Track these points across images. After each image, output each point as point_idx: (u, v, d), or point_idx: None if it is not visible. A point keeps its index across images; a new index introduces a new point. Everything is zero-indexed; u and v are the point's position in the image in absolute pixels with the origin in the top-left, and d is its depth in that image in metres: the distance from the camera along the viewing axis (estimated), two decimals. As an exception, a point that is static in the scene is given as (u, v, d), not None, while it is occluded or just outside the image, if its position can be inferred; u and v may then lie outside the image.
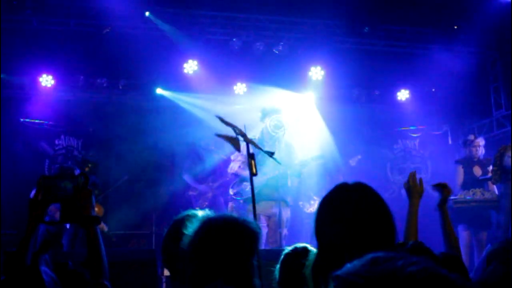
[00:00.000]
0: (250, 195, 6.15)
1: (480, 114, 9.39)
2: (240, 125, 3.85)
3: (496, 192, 6.78)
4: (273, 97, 7.86)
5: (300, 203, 7.90)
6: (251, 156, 3.21)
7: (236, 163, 6.46)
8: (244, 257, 1.82)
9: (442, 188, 3.22)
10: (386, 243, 1.64)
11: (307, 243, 2.58)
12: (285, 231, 6.27)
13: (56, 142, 8.66)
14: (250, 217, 2.14)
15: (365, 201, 1.71)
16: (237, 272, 1.79)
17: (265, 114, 6.42)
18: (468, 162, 7.13)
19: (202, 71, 8.45)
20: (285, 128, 6.38)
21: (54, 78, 8.11)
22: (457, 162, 7.26)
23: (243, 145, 3.70)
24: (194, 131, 8.34)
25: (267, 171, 6.08)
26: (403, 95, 9.36)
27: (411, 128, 9.84)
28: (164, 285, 5.97)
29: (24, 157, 7.98)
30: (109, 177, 8.09)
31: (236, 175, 6.50)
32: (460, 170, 7.10)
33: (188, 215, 2.33)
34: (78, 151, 8.76)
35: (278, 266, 2.56)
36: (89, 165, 7.10)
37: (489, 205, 6.72)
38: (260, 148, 3.72)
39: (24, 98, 8.25)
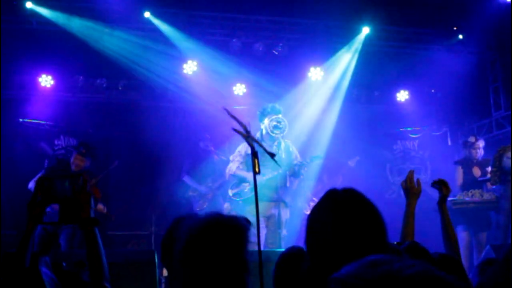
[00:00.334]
0: (249, 196, 6.20)
1: (479, 114, 9.39)
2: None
3: (495, 193, 6.80)
4: (273, 97, 7.87)
5: (300, 204, 7.90)
6: (255, 155, 3.19)
7: (235, 164, 6.46)
8: (233, 255, 1.73)
9: (442, 186, 3.20)
10: (377, 249, 1.63)
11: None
12: (284, 232, 6.27)
13: (56, 142, 8.66)
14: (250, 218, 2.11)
15: (355, 208, 1.69)
16: (228, 271, 1.72)
17: (264, 114, 6.41)
18: (467, 163, 7.13)
19: (202, 72, 8.45)
20: (284, 129, 6.38)
21: (53, 78, 8.12)
22: (456, 163, 7.26)
23: (245, 146, 3.66)
24: (194, 132, 8.34)
25: (266, 171, 6.08)
26: (402, 95, 9.37)
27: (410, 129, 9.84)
28: (163, 285, 5.97)
29: (24, 157, 7.97)
30: (109, 177, 8.08)
31: (234, 176, 6.49)
32: (460, 171, 7.10)
33: (187, 216, 2.33)
34: (77, 152, 8.74)
35: (273, 267, 2.55)
36: (87, 148, 6.91)
37: (488, 206, 6.72)
38: (263, 148, 3.71)
39: (24, 98, 8.24)
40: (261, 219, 6.12)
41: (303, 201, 7.97)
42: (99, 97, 8.58)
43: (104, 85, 8.44)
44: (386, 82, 9.19)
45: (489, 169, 6.76)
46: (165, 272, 5.74)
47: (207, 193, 7.88)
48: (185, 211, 5.72)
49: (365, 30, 8.59)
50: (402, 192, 3.16)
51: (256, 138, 4.64)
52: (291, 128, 6.69)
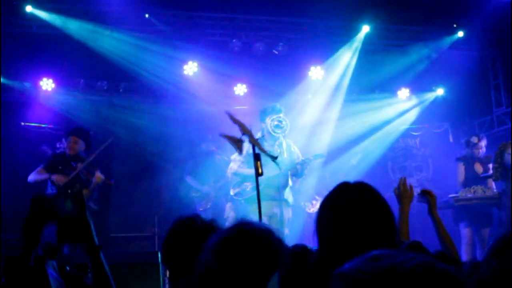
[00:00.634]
0: (251, 195, 6.20)
1: (480, 111, 9.41)
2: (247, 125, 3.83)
3: (495, 189, 6.82)
4: (274, 97, 7.88)
5: (302, 202, 7.90)
6: (257, 157, 3.19)
7: (236, 163, 6.46)
8: (268, 272, 1.54)
9: (428, 195, 3.25)
10: (387, 242, 1.64)
11: (308, 243, 2.58)
12: (286, 231, 6.28)
13: (57, 145, 8.66)
14: (252, 218, 2.10)
15: (367, 200, 1.72)
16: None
17: (265, 114, 6.42)
18: (469, 160, 7.14)
19: (202, 73, 8.45)
20: (286, 128, 6.39)
21: (54, 81, 8.12)
22: (458, 159, 7.26)
23: (246, 147, 3.66)
24: (195, 133, 8.35)
25: (268, 171, 6.08)
26: (403, 93, 9.36)
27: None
28: (167, 286, 5.97)
29: (25, 161, 7.97)
30: (110, 177, 8.09)
31: (236, 174, 6.50)
32: (461, 168, 7.11)
33: (191, 217, 2.32)
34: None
35: None
36: (79, 130, 6.89)
37: (490, 202, 6.74)
38: (264, 151, 3.71)
39: (25, 102, 8.26)
40: (263, 218, 6.14)
41: (305, 200, 7.97)
42: (100, 99, 8.59)
43: (105, 87, 8.44)
44: (387, 80, 9.19)
45: (491, 165, 6.77)
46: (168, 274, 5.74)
47: (210, 193, 7.89)
48: (188, 212, 5.73)
49: (365, 29, 8.59)
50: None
51: (258, 139, 4.66)
52: (292, 127, 6.69)
